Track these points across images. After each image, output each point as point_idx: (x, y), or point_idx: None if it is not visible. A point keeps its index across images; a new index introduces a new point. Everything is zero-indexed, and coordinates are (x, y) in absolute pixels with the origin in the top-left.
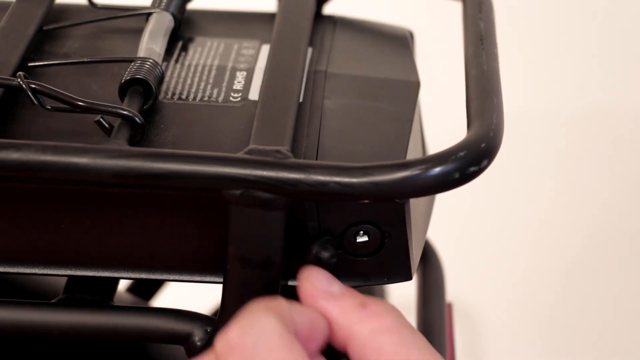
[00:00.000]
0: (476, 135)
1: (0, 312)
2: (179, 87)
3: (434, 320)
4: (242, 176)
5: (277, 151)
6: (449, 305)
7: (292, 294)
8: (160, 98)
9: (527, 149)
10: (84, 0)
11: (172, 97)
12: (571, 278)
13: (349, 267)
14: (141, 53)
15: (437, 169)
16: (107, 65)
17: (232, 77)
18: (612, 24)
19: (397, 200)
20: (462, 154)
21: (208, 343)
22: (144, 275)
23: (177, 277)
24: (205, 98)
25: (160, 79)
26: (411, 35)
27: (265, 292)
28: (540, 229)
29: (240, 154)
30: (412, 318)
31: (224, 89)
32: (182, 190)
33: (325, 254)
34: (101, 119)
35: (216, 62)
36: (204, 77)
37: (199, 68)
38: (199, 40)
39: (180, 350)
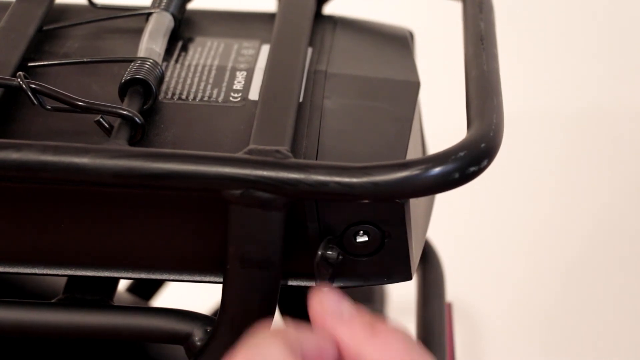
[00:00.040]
0: (476, 135)
1: (0, 312)
2: (179, 87)
3: (433, 320)
4: (242, 176)
5: (277, 151)
6: (449, 305)
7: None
8: (160, 98)
9: (527, 149)
10: (84, 0)
11: (172, 97)
12: (571, 278)
13: (348, 267)
14: (141, 53)
15: (437, 169)
16: (107, 65)
17: (232, 77)
18: (612, 24)
19: (397, 200)
20: (462, 154)
21: (208, 343)
22: (144, 275)
23: (177, 277)
24: (205, 98)
25: (160, 79)
26: (411, 35)
27: (265, 292)
28: (540, 229)
29: (240, 154)
30: (412, 318)
31: (224, 89)
32: (182, 190)
33: (332, 255)
34: (101, 119)
35: (216, 62)
36: (204, 77)
37: (199, 68)
38: (199, 40)
39: (180, 350)
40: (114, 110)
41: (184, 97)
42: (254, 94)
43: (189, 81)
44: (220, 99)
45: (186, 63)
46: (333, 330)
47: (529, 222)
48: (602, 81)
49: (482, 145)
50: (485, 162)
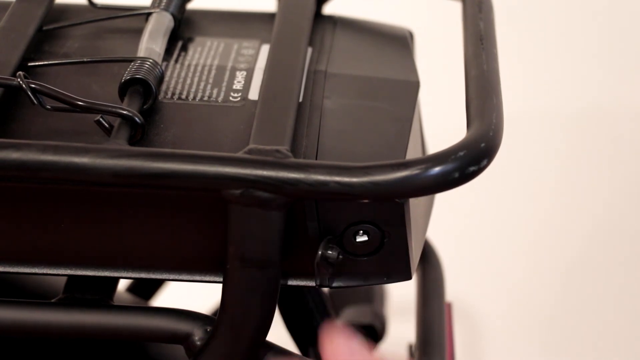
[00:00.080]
0: (476, 135)
1: (0, 312)
2: (179, 86)
3: (433, 319)
4: (242, 176)
5: (277, 151)
6: (449, 305)
7: (292, 294)
8: (160, 98)
9: (527, 148)
10: (84, 0)
11: (172, 97)
12: (571, 278)
13: (348, 266)
14: (141, 53)
15: (437, 169)
16: (107, 65)
17: (232, 77)
18: (612, 24)
19: (397, 200)
20: (461, 153)
21: (208, 342)
22: (143, 275)
23: (177, 277)
24: (205, 98)
25: (160, 79)
26: (411, 35)
27: (265, 292)
28: (540, 229)
29: (240, 154)
30: (411, 318)
31: (223, 88)
32: (182, 190)
33: (332, 254)
34: (101, 119)
35: (216, 62)
36: (204, 77)
37: (199, 68)
38: (198, 40)
39: (180, 350)
40: (114, 110)
41: (183, 97)
42: (253, 94)
43: (188, 81)
44: (220, 99)
45: (186, 63)
46: None
47: (529, 222)
48: (602, 81)
49: (482, 144)
50: (485, 162)
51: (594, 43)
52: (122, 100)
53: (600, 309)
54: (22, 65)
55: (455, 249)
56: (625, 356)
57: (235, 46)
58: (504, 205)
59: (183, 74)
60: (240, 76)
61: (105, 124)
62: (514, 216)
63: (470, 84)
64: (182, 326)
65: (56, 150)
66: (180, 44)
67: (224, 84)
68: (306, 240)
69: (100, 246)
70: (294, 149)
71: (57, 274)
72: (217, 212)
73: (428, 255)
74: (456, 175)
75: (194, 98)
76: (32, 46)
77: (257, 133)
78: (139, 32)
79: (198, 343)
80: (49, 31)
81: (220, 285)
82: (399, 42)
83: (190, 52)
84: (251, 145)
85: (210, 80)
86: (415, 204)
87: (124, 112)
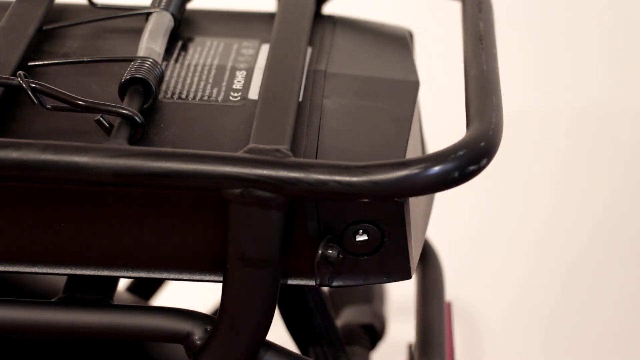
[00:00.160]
0: (475, 135)
1: (0, 312)
2: (179, 86)
3: (433, 319)
4: (242, 175)
5: (277, 150)
6: (449, 305)
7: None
8: (160, 97)
9: (527, 148)
10: (84, 0)
11: (172, 97)
12: (571, 278)
13: (348, 266)
14: (141, 52)
15: (437, 168)
16: (107, 64)
17: (232, 76)
18: (612, 24)
19: (397, 199)
20: (461, 152)
21: (208, 342)
22: (144, 274)
23: (177, 276)
24: (205, 97)
25: (160, 79)
26: (411, 35)
27: (265, 291)
28: (540, 229)
29: (240, 153)
30: (411, 317)
31: (223, 88)
32: (182, 189)
33: (332, 254)
34: (101, 118)
35: (216, 62)
36: (204, 77)
37: (199, 67)
38: (198, 39)
39: (180, 349)
40: (114, 109)
41: (183, 96)
42: (253, 93)
43: (188, 80)
44: (220, 98)
45: (186, 62)
46: None
47: (529, 222)
48: (602, 81)
49: (482, 144)
50: (484, 161)
51: (593, 43)
52: (122, 99)
53: (600, 309)
54: (22, 65)
55: (455, 249)
56: (625, 356)
57: (235, 46)
58: (503, 205)
59: (183, 74)
60: (240, 76)
61: (106, 124)
62: (513, 216)
63: (469, 83)
64: (182, 325)
65: (56, 149)
66: (180, 43)
67: (224, 83)
68: (306, 240)
69: (100, 246)
70: (294, 148)
71: (57, 274)
72: (217, 211)
73: (428, 255)
74: (456, 174)
75: (194, 97)
76: (32, 46)
77: (257, 132)
78: (139, 32)
79: (198, 342)
80: (49, 31)
81: (220, 284)
82: (398, 42)
83: (190, 51)
84: (251, 145)
85: (210, 80)
86: (415, 204)
87: (124, 111)
